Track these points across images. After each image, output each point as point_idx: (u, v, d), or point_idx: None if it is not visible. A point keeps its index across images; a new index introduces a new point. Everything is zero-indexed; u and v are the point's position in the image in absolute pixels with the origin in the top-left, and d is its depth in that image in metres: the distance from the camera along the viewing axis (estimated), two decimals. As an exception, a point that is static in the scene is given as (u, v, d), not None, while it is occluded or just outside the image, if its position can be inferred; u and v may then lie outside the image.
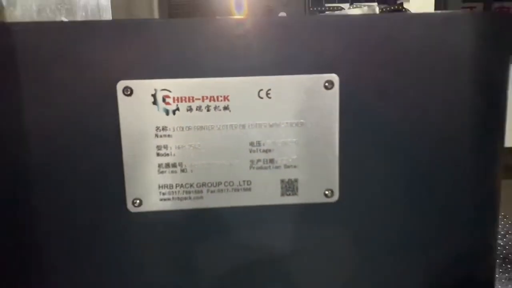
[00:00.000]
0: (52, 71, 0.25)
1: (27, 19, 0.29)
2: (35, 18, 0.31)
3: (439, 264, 0.29)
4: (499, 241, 0.67)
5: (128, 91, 0.25)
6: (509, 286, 0.52)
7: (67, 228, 0.26)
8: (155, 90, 0.26)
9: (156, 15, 1.19)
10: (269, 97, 0.26)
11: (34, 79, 0.25)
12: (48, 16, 0.33)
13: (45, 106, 0.25)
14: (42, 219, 0.26)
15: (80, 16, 0.40)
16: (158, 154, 0.26)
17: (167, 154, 0.26)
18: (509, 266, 0.58)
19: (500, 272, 0.56)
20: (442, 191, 0.28)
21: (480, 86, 0.28)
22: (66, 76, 0.25)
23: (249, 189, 0.27)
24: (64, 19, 0.36)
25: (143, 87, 0.25)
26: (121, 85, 0.25)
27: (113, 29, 0.25)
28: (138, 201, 0.27)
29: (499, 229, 0.71)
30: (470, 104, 0.28)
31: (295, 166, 0.27)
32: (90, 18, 0.43)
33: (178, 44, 0.25)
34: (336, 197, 0.27)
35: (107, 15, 0.49)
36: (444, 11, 0.28)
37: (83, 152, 0.26)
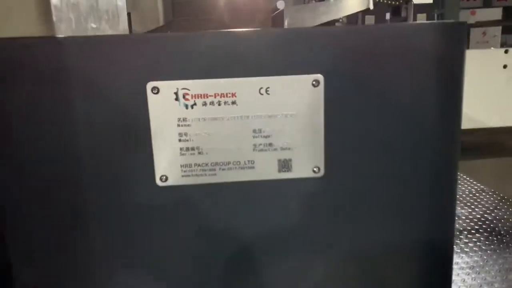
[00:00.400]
0: (96, 75, 0.31)
1: (69, 30, 0.36)
2: (74, 28, 0.37)
3: (406, 228, 0.36)
4: (487, 216, 0.74)
5: (156, 90, 0.32)
6: (494, 256, 0.58)
7: (109, 200, 0.33)
8: (177, 89, 0.32)
9: (160, 5, 1.24)
10: (268, 94, 0.33)
11: (82, 82, 0.31)
12: (82, 24, 0.39)
13: (90, 104, 0.32)
14: (91, 193, 0.33)
15: (104, 19, 0.47)
16: (180, 140, 0.33)
17: (187, 140, 0.33)
18: (495, 238, 0.64)
19: (487, 243, 0.62)
20: (408, 164, 0.34)
21: (441, 81, 0.34)
22: (107, 79, 0.31)
23: (253, 167, 0.34)
24: (93, 25, 0.42)
25: (168, 86, 0.32)
26: (150, 85, 0.32)
27: (143, 42, 0.31)
28: (164, 177, 0.33)
29: (488, 205, 0.78)
30: (433, 96, 0.34)
31: (289, 148, 0.34)
32: (111, 19, 0.49)
33: (195, 52, 0.32)
34: (322, 172, 0.34)
35: (124, 14, 0.55)
36: (411, 22, 0.34)
37: (121, 139, 0.32)
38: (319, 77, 0.32)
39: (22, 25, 0.31)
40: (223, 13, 1.30)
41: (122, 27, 0.54)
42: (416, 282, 0.37)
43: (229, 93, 0.32)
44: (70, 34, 0.34)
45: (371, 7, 1.03)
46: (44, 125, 0.32)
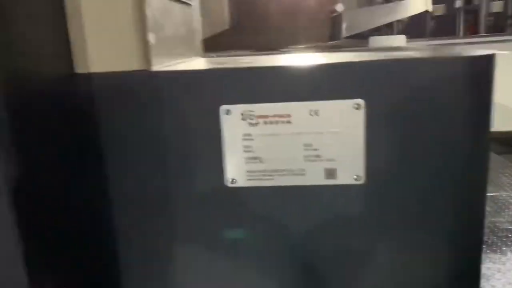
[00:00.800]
0: (182, 100, 0.40)
1: (161, 62, 0.45)
2: (164, 59, 0.46)
3: (435, 234, 0.41)
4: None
5: (227, 112, 0.40)
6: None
7: (190, 199, 0.42)
8: (244, 111, 0.40)
9: (226, 9, 1.33)
10: (317, 115, 0.40)
11: (172, 106, 0.40)
12: (169, 53, 0.48)
13: (178, 122, 0.41)
14: (176, 192, 0.42)
15: (184, 45, 0.56)
16: (245, 151, 0.41)
17: (251, 151, 0.41)
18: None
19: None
20: (438, 180, 0.40)
21: (471, 109, 0.38)
22: (190, 103, 0.40)
23: (304, 174, 0.41)
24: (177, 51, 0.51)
25: (237, 109, 0.40)
26: (223, 108, 0.40)
27: (219, 74, 0.40)
28: (234, 180, 0.42)
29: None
30: (464, 121, 0.39)
31: (334, 160, 0.41)
32: (190, 43, 0.58)
33: (259, 82, 0.40)
34: (362, 180, 0.41)
35: (199, 35, 0.64)
36: (442, 56, 0.39)
37: (201, 150, 0.41)
38: (360, 101, 0.39)
39: (127, 64, 0.40)
40: (284, 15, 1.36)
41: (197, 46, 0.64)
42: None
43: (285, 114, 0.40)
44: (161, 65, 0.43)
45: (430, 9, 1.04)
46: (142, 141, 0.41)
